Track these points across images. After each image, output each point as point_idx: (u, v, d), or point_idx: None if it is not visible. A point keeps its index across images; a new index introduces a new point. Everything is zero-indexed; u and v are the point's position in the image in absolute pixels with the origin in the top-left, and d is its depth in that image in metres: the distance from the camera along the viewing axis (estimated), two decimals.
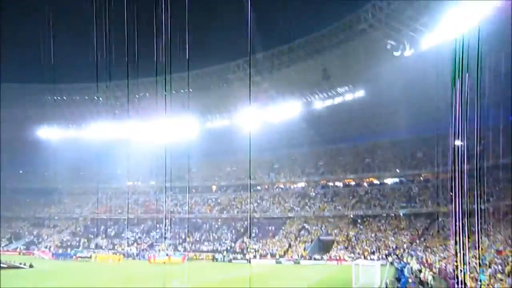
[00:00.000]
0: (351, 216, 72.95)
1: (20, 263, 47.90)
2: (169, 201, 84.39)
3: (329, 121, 77.03)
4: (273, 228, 75.07)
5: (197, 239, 76.29)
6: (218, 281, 37.22)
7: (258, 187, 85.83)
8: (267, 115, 74.41)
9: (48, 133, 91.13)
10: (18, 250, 77.23)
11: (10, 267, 45.77)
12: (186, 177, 78.36)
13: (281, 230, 74.14)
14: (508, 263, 27.99)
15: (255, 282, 36.26)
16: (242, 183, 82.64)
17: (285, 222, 75.99)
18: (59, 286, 32.79)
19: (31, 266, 47.51)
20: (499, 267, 28.05)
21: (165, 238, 73.47)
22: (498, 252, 34.05)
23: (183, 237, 75.49)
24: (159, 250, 69.07)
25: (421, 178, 75.83)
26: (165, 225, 76.63)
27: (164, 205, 79.87)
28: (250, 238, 72.09)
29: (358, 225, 70.89)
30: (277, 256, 64.78)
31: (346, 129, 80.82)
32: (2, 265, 45.15)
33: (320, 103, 74.55)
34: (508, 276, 23.16)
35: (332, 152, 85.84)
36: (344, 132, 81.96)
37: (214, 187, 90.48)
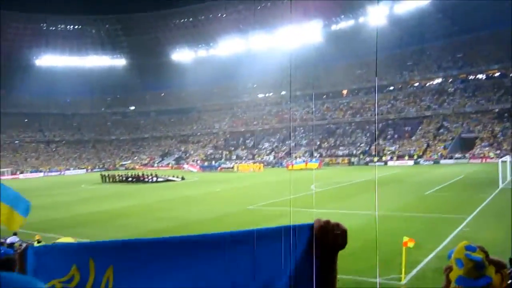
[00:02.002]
0: (496, 110, 67.42)
1: (173, 176, 53.10)
2: (301, 109, 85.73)
3: (465, 7, 69.70)
4: (409, 128, 72.72)
5: (332, 144, 77.13)
6: (355, 182, 37.78)
7: (391, 87, 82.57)
8: (395, 8, 69.58)
9: (180, 55, 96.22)
10: (170, 165, 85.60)
11: (166, 180, 51.09)
12: (315, 83, 78.37)
13: (418, 130, 71.68)
14: None
15: (392, 182, 36.36)
16: (373, 85, 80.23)
17: (422, 121, 73.10)
18: (212, 190, 36.13)
19: (183, 178, 52.43)
20: None
21: (300, 145, 75.63)
22: None
23: (318, 143, 77.00)
24: (296, 157, 71.44)
25: None
26: (299, 133, 78.62)
27: (290, 113, 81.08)
28: (386, 140, 71.13)
29: (505, 119, 65.43)
30: (415, 157, 63.37)
31: (485, 15, 72.47)
32: (159, 179, 50.83)
33: None
34: None
35: (472, 41, 77.98)
36: (483, 18, 73.62)
37: (344, 92, 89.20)
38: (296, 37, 71.77)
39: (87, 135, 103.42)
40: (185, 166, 78.67)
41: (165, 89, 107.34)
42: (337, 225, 1.52)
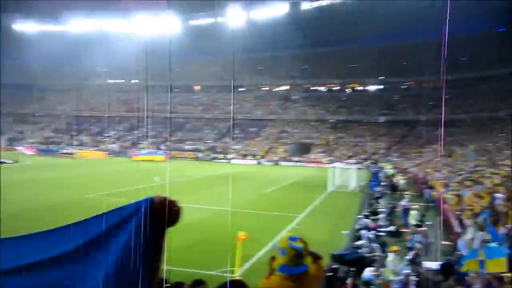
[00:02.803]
0: (332, 120, 74.22)
1: (5, 159, 48.04)
2: (152, 100, 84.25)
3: (317, 23, 75.19)
4: (255, 129, 76.20)
5: (180, 138, 77.26)
6: (199, 178, 38.46)
7: (241, 89, 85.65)
8: (253, 14, 72.22)
9: (24, 26, 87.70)
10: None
11: None
12: (168, 75, 77.65)
13: (262, 132, 75.38)
14: (477, 172, 29.37)
15: (236, 179, 37.78)
16: (225, 84, 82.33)
17: (267, 124, 77.05)
18: (45, 176, 33.63)
19: (16, 161, 47.93)
20: (469, 174, 29.40)
21: (147, 136, 74.24)
22: (468, 161, 35.49)
23: (166, 135, 76.41)
24: (141, 148, 70.05)
25: (403, 86, 76.52)
26: (148, 124, 77.16)
27: (145, 104, 79.50)
28: (231, 138, 73.43)
29: (338, 129, 72.41)
30: (258, 157, 66.49)
31: (333, 33, 79.16)
32: None
33: (308, 4, 72.30)
34: (477, 183, 24.39)
35: (318, 56, 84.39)
36: (331, 35, 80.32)
37: (197, 87, 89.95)
38: (153, 26, 70.23)
39: None
40: (20, 147, 72.08)
41: (10, 61, 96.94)
42: (174, 202, 1.68)
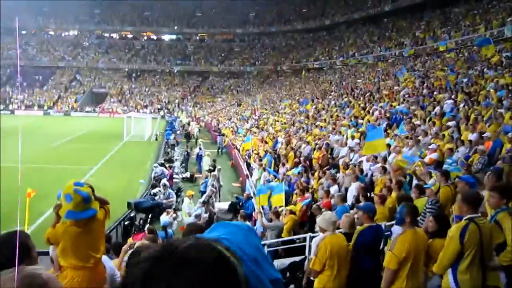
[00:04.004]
0: (126, 69, 72.17)
1: None
2: None
3: None
4: (40, 77, 69.39)
5: None
6: None
7: (24, 31, 75.72)
8: None
9: None
10: None
11: None
12: None
13: (50, 80, 69.38)
14: (262, 119, 32.18)
15: (22, 133, 34.30)
16: (5, 26, 72.19)
17: (54, 72, 70.94)
18: None
19: None
20: (255, 122, 32.03)
21: None
22: (254, 111, 38.56)
23: None
24: None
25: (197, 37, 78.13)
26: None
27: None
28: (13, 87, 65.77)
29: (133, 79, 70.91)
30: (45, 108, 61.30)
31: None
32: None
33: None
34: (262, 129, 26.80)
35: (110, 1, 79.72)
36: None
37: None
38: None
39: None
40: None
41: None
42: None
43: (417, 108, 16.32)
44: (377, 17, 55.83)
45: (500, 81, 15.51)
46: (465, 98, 14.89)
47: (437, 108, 15.00)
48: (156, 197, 14.06)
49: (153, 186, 15.52)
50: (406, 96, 20.00)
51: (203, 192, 14.61)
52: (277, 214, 9.39)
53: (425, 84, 20.99)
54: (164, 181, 15.10)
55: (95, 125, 44.50)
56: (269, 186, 11.84)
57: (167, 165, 19.37)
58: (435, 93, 18.26)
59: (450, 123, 12.32)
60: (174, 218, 11.36)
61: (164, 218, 11.00)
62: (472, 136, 10.11)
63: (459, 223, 4.06)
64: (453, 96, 15.98)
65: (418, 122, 13.75)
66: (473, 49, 26.96)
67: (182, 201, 14.05)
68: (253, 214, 11.33)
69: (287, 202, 10.71)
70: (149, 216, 12.72)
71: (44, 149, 26.36)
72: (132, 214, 12.84)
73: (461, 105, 14.10)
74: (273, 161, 16.87)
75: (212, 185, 14.61)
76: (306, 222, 9.56)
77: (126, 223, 12.08)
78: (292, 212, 9.45)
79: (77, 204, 3.63)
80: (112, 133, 36.04)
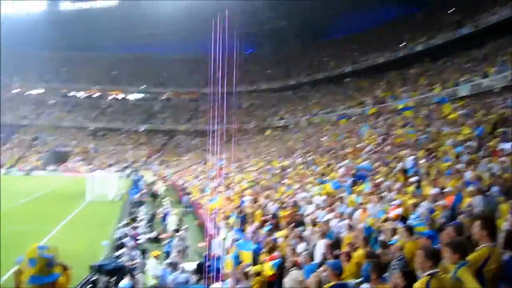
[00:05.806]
0: (92, 128, 71.60)
1: None
2: None
3: (78, 26, 72.01)
4: (3, 136, 67.66)
5: None
6: None
7: None
8: (5, 7, 64.84)
9: None
10: None
11: None
12: None
13: (12, 139, 67.94)
14: (228, 178, 32.06)
15: None
16: None
17: (17, 130, 69.59)
18: None
19: None
20: (224, 181, 31.90)
21: None
22: (220, 168, 38.51)
23: None
24: None
25: (164, 96, 78.91)
26: None
27: None
28: None
29: (98, 137, 70.29)
30: (7, 167, 59.54)
31: (95, 37, 76.79)
32: None
33: (67, 4, 68.68)
34: (228, 188, 26.67)
35: (77, 60, 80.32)
36: (92, 40, 77.83)
37: None
38: None
39: None
40: None
41: None
42: None
43: (381, 164, 16.71)
44: (339, 77, 58.14)
45: (457, 137, 16.17)
46: (425, 154, 15.39)
47: (400, 164, 15.41)
48: (120, 259, 13.62)
49: (118, 248, 15.07)
50: (370, 152, 20.50)
51: (167, 253, 14.28)
52: (246, 275, 9.22)
53: (387, 141, 21.62)
54: (128, 242, 14.72)
55: (58, 184, 43.37)
56: (239, 244, 11.72)
57: (132, 225, 18.92)
58: (396, 149, 18.80)
59: (412, 179, 12.64)
60: (136, 281, 11.00)
61: (124, 281, 10.61)
62: (433, 191, 10.36)
63: (422, 279, 4.13)
64: (414, 152, 16.50)
65: (382, 179, 14.04)
66: (429, 108, 28.15)
67: (146, 263, 13.66)
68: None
69: (255, 261, 10.56)
70: (112, 279, 12.26)
71: (2, 209, 25.36)
72: (94, 278, 12.35)
73: (422, 161, 14.55)
74: (239, 220, 16.73)
75: (178, 245, 14.34)
76: (274, 282, 9.40)
77: (89, 287, 11.59)
78: (258, 274, 9.29)
79: (41, 268, 3.51)
80: (76, 192, 35.17)
